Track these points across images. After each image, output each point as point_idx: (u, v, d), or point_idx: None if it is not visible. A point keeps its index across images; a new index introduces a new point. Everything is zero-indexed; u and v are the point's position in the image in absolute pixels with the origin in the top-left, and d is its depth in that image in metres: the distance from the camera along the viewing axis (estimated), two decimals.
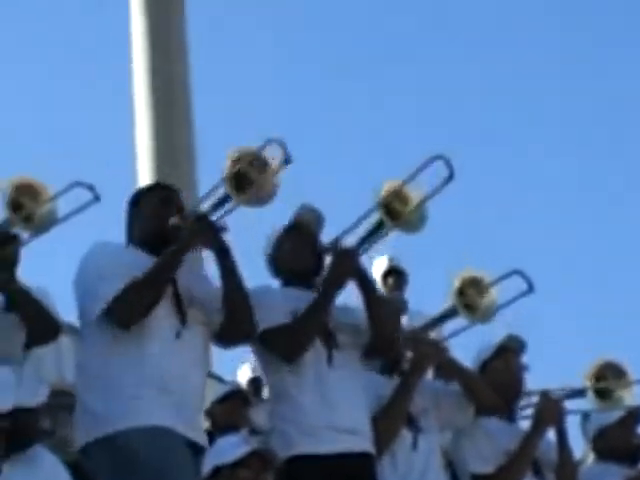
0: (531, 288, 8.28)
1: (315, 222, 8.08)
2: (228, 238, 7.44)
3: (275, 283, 8.14)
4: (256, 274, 8.13)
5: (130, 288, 7.04)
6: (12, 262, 7.78)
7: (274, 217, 8.08)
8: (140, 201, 7.71)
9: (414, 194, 7.89)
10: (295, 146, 8.24)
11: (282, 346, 7.74)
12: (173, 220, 7.34)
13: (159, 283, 7.17)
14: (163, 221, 7.39)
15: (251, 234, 8.29)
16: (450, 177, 7.89)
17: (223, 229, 7.38)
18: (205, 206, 7.70)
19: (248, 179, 7.34)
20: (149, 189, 8.35)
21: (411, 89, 34.36)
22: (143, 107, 15.53)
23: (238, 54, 29.64)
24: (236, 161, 7.41)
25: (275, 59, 32.48)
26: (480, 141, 34.20)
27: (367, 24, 35.32)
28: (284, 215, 8.06)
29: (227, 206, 7.52)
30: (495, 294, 8.40)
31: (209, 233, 7.32)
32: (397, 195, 7.94)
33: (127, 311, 7.07)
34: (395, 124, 34.04)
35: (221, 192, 7.48)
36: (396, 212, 7.96)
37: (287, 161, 7.40)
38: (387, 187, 7.88)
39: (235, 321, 7.44)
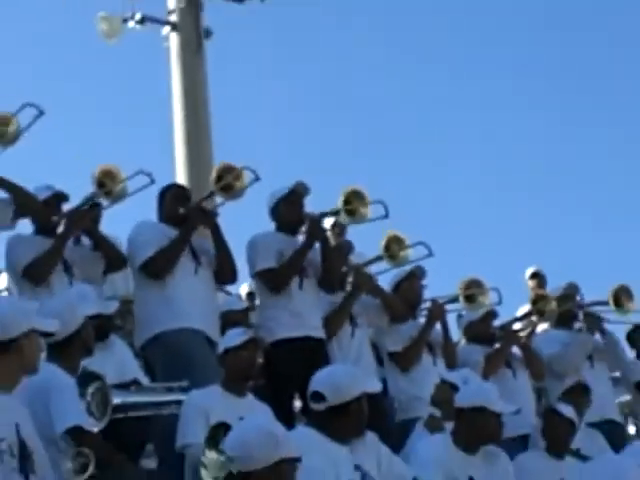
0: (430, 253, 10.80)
1: (303, 193, 10.27)
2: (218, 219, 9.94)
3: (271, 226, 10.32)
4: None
5: (160, 253, 9.48)
6: (97, 220, 9.97)
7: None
8: (165, 195, 10.03)
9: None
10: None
11: (270, 283, 10.09)
12: (181, 209, 9.80)
13: (178, 249, 9.56)
14: (175, 208, 9.80)
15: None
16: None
17: (215, 214, 10.01)
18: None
19: (230, 186, 9.90)
20: (168, 188, 10.37)
21: None
22: (180, 142, 17.25)
23: (248, 106, 28.96)
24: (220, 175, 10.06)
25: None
26: None
27: None
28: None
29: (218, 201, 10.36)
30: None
31: (207, 217, 9.91)
32: None
33: (158, 268, 9.48)
34: None
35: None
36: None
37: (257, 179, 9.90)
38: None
39: (221, 269, 9.88)
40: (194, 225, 9.74)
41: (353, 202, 10.38)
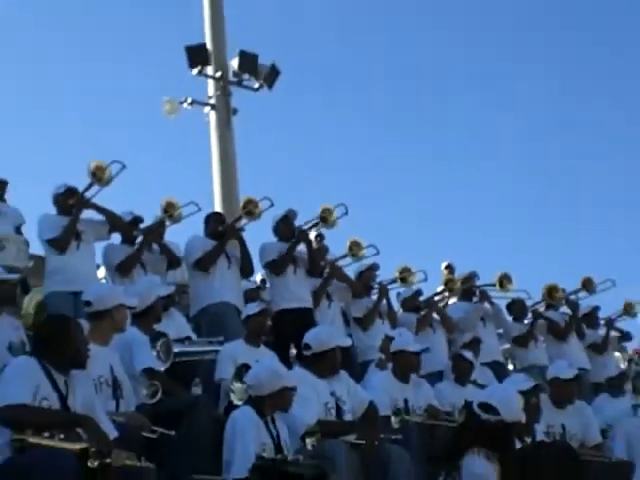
0: (378, 252, 10.76)
1: (293, 216, 10.29)
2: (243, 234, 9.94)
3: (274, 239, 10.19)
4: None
5: (207, 256, 9.52)
6: (162, 234, 9.93)
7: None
8: (209, 219, 10.10)
9: None
10: None
11: (273, 270, 10.01)
12: (219, 228, 9.84)
13: (216, 253, 9.56)
14: (215, 227, 9.83)
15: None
16: None
17: (241, 231, 9.97)
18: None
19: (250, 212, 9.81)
20: (211, 215, 10.44)
21: None
22: (217, 184, 16.95)
23: (263, 161, 29.90)
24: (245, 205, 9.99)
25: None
26: None
27: None
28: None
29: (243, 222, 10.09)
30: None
31: (235, 233, 9.84)
32: None
33: (204, 265, 9.47)
34: None
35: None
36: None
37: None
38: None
39: (243, 266, 9.83)
40: (227, 238, 9.71)
41: (327, 216, 10.33)
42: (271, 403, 6.18)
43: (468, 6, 32.37)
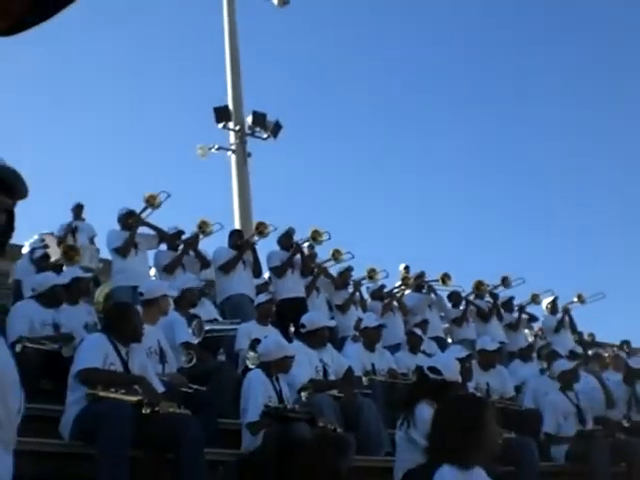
0: (353, 256, 10.69)
1: (292, 232, 10.26)
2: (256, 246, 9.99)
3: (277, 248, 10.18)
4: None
5: (230, 262, 9.44)
6: (197, 244, 9.77)
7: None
8: (232, 234, 10.02)
9: None
10: None
11: (275, 272, 9.93)
12: (239, 241, 9.76)
13: (236, 260, 9.48)
14: (236, 241, 9.77)
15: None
16: None
17: (254, 244, 9.93)
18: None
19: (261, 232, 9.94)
20: (233, 232, 10.24)
21: None
22: (237, 210, 16.62)
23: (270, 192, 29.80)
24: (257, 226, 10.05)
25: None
26: None
27: None
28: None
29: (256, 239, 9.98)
30: None
31: (250, 245, 9.78)
32: None
33: (226, 268, 9.39)
34: None
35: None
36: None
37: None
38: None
39: (254, 269, 9.75)
40: (244, 250, 9.69)
41: (316, 236, 10.31)
42: (276, 367, 6.13)
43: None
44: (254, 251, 9.91)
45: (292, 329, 9.20)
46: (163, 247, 9.82)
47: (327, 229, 10.39)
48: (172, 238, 9.75)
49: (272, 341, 6.51)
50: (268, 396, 5.92)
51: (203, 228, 9.93)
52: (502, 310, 11.80)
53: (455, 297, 11.77)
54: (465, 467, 3.21)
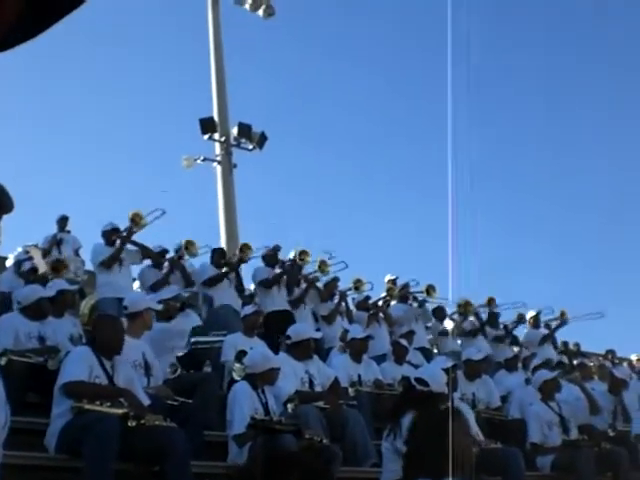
0: (347, 266, 10.94)
1: (278, 249, 10.44)
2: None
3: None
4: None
5: (212, 278, 9.63)
6: (183, 264, 10.00)
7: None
8: (215, 253, 10.24)
9: None
10: None
11: (264, 284, 9.96)
12: (222, 260, 10.01)
13: (221, 277, 9.68)
14: (219, 260, 10.01)
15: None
16: None
17: (245, 261, 10.27)
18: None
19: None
20: (214, 250, 10.42)
21: None
22: (222, 224, 16.60)
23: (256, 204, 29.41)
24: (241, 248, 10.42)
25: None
26: None
27: None
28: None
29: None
30: None
31: (232, 268, 9.98)
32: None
33: (211, 284, 9.60)
34: None
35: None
36: None
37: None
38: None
39: (236, 286, 9.94)
40: (229, 272, 9.92)
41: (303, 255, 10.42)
42: (261, 379, 6.13)
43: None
44: (237, 273, 10.13)
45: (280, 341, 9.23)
46: (147, 262, 9.92)
47: (313, 241, 10.70)
48: (156, 255, 9.89)
49: (258, 353, 6.51)
50: (254, 408, 5.91)
51: (190, 250, 10.08)
52: (487, 327, 11.86)
53: (439, 312, 11.80)
54: (439, 478, 3.21)
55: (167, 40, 29.29)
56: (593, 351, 14.72)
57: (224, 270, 9.86)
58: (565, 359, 10.77)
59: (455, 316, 11.84)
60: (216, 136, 17.64)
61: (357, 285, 11.14)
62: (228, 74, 18.33)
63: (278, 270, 10.20)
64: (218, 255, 10.13)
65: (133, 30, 29.98)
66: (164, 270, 9.78)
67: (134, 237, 9.74)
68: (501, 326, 12.07)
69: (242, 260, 10.18)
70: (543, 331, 12.19)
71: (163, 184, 29.08)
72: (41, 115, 30.74)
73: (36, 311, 6.98)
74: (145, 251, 9.75)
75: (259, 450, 5.44)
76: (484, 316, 12.04)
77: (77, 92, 30.72)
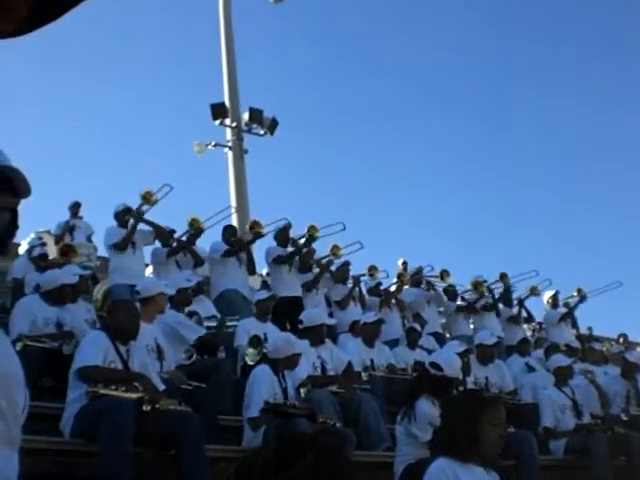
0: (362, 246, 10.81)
1: (289, 227, 10.21)
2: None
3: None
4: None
5: (228, 250, 9.42)
6: (194, 241, 9.78)
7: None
8: (226, 230, 9.99)
9: None
10: None
11: (278, 263, 9.76)
12: (232, 238, 9.79)
13: (232, 254, 9.48)
14: (230, 237, 9.76)
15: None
16: None
17: (248, 243, 9.95)
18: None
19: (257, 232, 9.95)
20: (225, 227, 10.18)
21: None
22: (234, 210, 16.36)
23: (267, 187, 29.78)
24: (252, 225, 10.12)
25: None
26: None
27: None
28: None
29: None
30: None
31: (243, 243, 9.83)
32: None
33: (230, 254, 9.39)
34: None
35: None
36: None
37: None
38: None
39: (248, 266, 9.73)
40: (239, 250, 9.70)
41: (313, 232, 10.22)
42: (284, 364, 6.12)
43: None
44: (248, 251, 9.90)
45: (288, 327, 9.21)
46: (158, 244, 9.83)
47: (324, 225, 10.41)
48: (168, 235, 9.79)
49: (282, 338, 6.48)
50: (274, 393, 5.91)
51: (194, 225, 9.86)
52: (500, 305, 11.75)
53: (450, 292, 11.75)
54: (462, 461, 3.20)
55: (178, 27, 29.60)
56: (606, 335, 14.65)
57: (234, 247, 9.69)
58: (577, 343, 10.66)
59: (468, 295, 11.75)
60: (227, 121, 17.65)
61: (372, 272, 11.08)
62: (239, 59, 18.43)
63: (291, 249, 10.10)
64: (229, 232, 9.96)
65: (144, 17, 30.24)
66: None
67: (147, 216, 9.68)
68: (515, 302, 11.94)
69: (258, 235, 9.98)
70: (562, 310, 12.02)
71: (175, 170, 29.29)
72: (52, 102, 30.97)
73: (57, 297, 6.99)
74: (158, 229, 9.66)
75: (273, 434, 5.41)
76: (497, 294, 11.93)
77: (88, 79, 30.95)
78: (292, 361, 6.17)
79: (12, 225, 1.71)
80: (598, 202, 32.00)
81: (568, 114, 31.76)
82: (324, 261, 10.53)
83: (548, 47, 31.40)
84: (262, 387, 5.86)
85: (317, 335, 7.27)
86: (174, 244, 9.69)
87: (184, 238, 9.83)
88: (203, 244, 10.26)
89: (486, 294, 11.71)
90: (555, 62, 31.32)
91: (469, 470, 3.20)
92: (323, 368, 7.19)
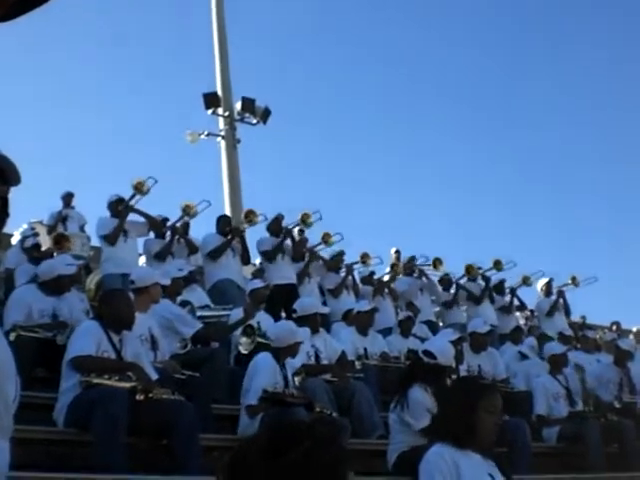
0: (342, 238, 10.63)
1: (281, 218, 10.19)
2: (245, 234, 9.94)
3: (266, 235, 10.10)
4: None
5: (214, 250, 9.35)
6: (187, 230, 9.96)
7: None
8: (220, 220, 9.94)
9: None
10: None
11: (266, 256, 9.86)
12: (227, 228, 9.70)
13: (225, 247, 9.40)
14: (224, 227, 9.71)
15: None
16: None
17: (242, 231, 9.87)
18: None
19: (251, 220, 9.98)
20: (221, 217, 10.18)
21: None
22: (227, 194, 16.66)
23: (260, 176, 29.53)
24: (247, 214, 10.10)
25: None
26: None
27: None
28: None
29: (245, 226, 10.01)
30: None
31: (238, 233, 9.69)
32: None
33: (215, 255, 9.32)
34: None
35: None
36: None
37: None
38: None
39: (243, 256, 9.68)
40: (233, 238, 9.65)
41: (306, 218, 10.32)
42: (285, 352, 6.12)
43: None
44: (242, 239, 9.86)
45: (283, 314, 9.15)
46: (152, 234, 9.78)
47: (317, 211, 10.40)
48: (161, 225, 9.73)
49: (284, 326, 6.47)
50: (275, 381, 5.91)
51: (187, 211, 9.90)
52: (494, 293, 11.75)
53: (446, 281, 11.74)
54: (458, 447, 3.20)
55: (171, 16, 29.33)
56: (599, 323, 14.67)
57: (228, 237, 9.65)
58: (570, 332, 10.68)
59: (462, 281, 11.75)
60: (220, 111, 17.63)
61: (364, 259, 11.03)
62: (231, 48, 18.38)
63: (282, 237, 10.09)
64: (223, 222, 9.93)
65: (136, 7, 30.01)
66: (167, 240, 9.66)
67: (139, 206, 9.64)
68: (507, 290, 11.97)
69: (250, 222, 10.00)
70: (554, 298, 12.00)
71: (167, 159, 29.24)
72: (43, 91, 30.79)
73: (54, 287, 6.92)
74: (151, 221, 9.63)
75: (270, 422, 5.41)
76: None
77: (80, 68, 30.77)
78: (293, 349, 6.16)
79: (2, 213, 1.71)
80: (599, 202, 31.49)
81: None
82: (315, 249, 10.53)
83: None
84: (263, 375, 5.85)
85: (311, 324, 7.24)
86: (167, 233, 9.66)
87: (178, 225, 9.81)
88: (194, 233, 10.29)
89: (480, 281, 11.72)
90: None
91: (467, 456, 3.21)
92: (317, 357, 7.19)
